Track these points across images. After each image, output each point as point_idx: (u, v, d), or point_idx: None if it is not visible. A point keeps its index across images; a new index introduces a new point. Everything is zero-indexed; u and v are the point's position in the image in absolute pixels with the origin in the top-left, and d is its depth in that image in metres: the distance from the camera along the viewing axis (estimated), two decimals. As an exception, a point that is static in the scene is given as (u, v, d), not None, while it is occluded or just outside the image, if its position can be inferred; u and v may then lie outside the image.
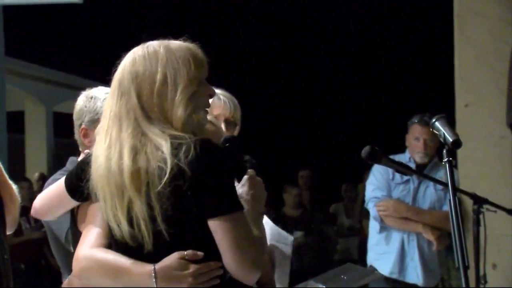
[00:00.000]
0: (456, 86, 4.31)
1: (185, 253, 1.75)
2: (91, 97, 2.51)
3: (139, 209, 1.75)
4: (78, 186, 1.91)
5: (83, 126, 2.49)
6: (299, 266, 6.42)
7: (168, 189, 1.73)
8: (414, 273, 3.97)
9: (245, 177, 1.89)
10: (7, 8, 7.42)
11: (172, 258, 1.76)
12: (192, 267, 1.75)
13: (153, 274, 1.75)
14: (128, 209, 1.78)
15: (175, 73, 1.81)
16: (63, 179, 2.03)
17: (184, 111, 1.80)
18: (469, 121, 4.22)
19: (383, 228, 4.01)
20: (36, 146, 10.26)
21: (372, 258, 4.09)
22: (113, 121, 1.83)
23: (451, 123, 2.29)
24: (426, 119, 3.95)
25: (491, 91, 4.19)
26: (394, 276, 3.97)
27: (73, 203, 2.00)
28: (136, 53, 1.87)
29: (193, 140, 1.75)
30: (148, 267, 1.76)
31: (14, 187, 2.63)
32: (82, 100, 2.53)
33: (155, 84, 1.81)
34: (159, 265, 1.76)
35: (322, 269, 4.60)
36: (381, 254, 4.04)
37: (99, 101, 2.49)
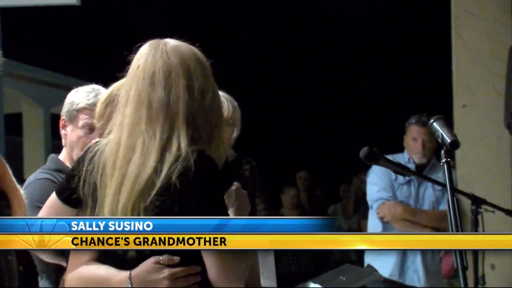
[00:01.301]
0: (454, 87, 4.32)
1: (160, 257, 1.75)
2: (76, 90, 2.58)
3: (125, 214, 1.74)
4: (70, 187, 1.86)
5: (62, 117, 2.56)
6: (297, 267, 6.43)
7: (155, 203, 1.72)
8: (415, 276, 3.95)
9: (231, 188, 1.89)
10: (4, 10, 7.41)
11: (147, 263, 1.76)
12: (168, 271, 1.75)
13: (129, 280, 1.76)
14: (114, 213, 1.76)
15: (214, 85, 1.82)
16: (51, 200, 1.98)
17: (219, 124, 1.80)
18: (466, 122, 4.23)
19: (386, 229, 3.97)
20: (34, 148, 10.24)
21: (370, 258, 4.06)
22: (141, 107, 1.76)
23: (449, 124, 2.30)
24: (424, 119, 3.94)
25: (488, 92, 4.21)
26: (394, 279, 3.95)
27: (64, 209, 1.93)
28: (180, 47, 1.81)
29: (189, 151, 1.73)
30: (125, 273, 1.77)
31: (21, 192, 2.63)
32: (69, 94, 2.60)
33: (207, 88, 1.78)
34: (135, 270, 1.76)
35: (320, 270, 4.61)
36: (380, 255, 4.01)
37: (79, 93, 2.55)
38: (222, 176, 1.78)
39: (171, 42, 1.84)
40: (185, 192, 1.72)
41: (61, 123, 2.56)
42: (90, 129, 2.47)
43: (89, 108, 2.50)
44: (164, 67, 1.78)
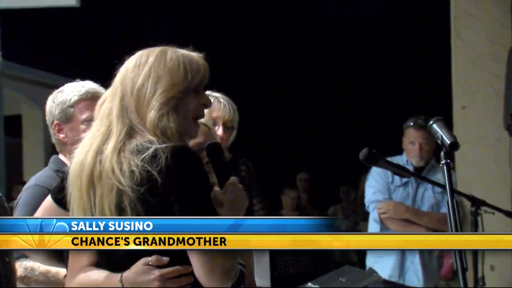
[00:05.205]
0: (453, 89, 4.33)
1: (149, 258, 1.76)
2: (58, 92, 2.49)
3: (107, 207, 1.76)
4: (63, 191, 1.89)
5: (55, 122, 2.45)
6: (297, 269, 6.42)
7: (135, 193, 1.74)
8: (415, 276, 3.97)
9: (227, 183, 1.88)
10: (4, 11, 7.42)
11: (137, 265, 1.77)
12: (157, 272, 1.75)
13: (120, 282, 1.77)
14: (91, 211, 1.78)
15: (158, 76, 1.83)
16: (46, 200, 1.98)
17: (155, 113, 1.80)
18: (466, 123, 4.24)
19: (384, 231, 4.00)
20: (34, 150, 10.25)
21: (371, 261, 4.09)
22: (96, 122, 1.88)
23: (448, 125, 2.31)
24: (420, 122, 3.94)
25: (487, 93, 4.21)
26: (394, 280, 3.97)
27: (58, 211, 1.94)
28: (133, 56, 1.89)
29: (167, 147, 1.75)
30: (116, 277, 1.78)
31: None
32: (50, 99, 2.50)
33: (136, 84, 1.83)
34: (126, 273, 1.77)
35: (320, 271, 4.61)
36: (381, 257, 4.03)
37: (65, 91, 2.46)
38: (201, 170, 1.77)
39: (141, 51, 1.89)
40: (165, 185, 1.72)
41: (55, 128, 2.45)
42: (92, 120, 2.38)
43: (84, 99, 2.43)
44: (115, 82, 1.90)
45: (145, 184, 1.73)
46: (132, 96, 1.83)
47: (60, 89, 2.50)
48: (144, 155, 1.74)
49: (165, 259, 1.75)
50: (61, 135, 2.46)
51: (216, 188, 1.87)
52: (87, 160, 1.81)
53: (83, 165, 1.81)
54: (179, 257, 1.75)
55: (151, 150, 1.74)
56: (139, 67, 1.85)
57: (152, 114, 1.80)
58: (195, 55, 1.89)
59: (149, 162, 1.73)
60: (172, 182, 1.73)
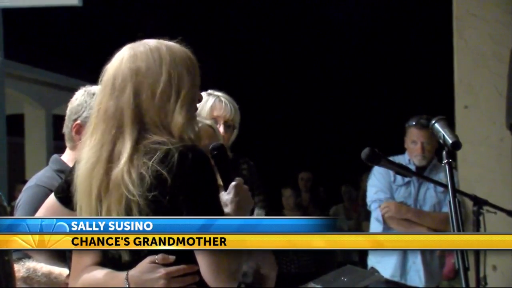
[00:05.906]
0: (455, 88, 4.32)
1: (155, 257, 1.75)
2: (93, 94, 2.43)
3: (115, 215, 1.74)
4: (68, 190, 1.88)
5: (78, 121, 2.43)
6: (298, 268, 6.42)
7: (145, 199, 1.72)
8: (417, 276, 3.97)
9: (232, 184, 1.87)
10: (6, 10, 7.42)
11: (143, 263, 1.77)
12: (163, 270, 1.75)
13: (126, 281, 1.77)
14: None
15: (179, 76, 1.78)
16: (49, 199, 1.97)
17: (185, 116, 1.77)
18: (468, 123, 4.23)
19: (386, 230, 4.00)
20: (36, 149, 10.26)
21: (373, 261, 4.10)
22: (100, 120, 1.80)
23: (450, 125, 2.30)
24: (423, 121, 3.94)
25: (489, 93, 4.21)
26: (396, 279, 3.98)
27: (61, 210, 1.93)
28: (136, 49, 1.81)
29: (177, 147, 1.73)
30: (122, 275, 1.78)
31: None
32: (82, 95, 2.45)
33: (159, 84, 1.76)
34: (131, 271, 1.77)
35: (321, 271, 4.60)
36: (382, 256, 4.04)
37: None
38: (211, 171, 1.77)
39: (137, 43, 1.84)
40: (173, 186, 1.71)
41: (75, 127, 2.42)
42: None
43: None
44: (112, 71, 1.81)
45: (155, 185, 1.72)
46: (154, 96, 1.76)
47: (92, 90, 2.44)
48: (155, 156, 1.72)
49: (172, 257, 1.75)
50: (78, 137, 2.42)
51: (221, 190, 1.87)
52: (95, 171, 1.77)
53: (92, 176, 1.78)
54: (185, 256, 1.75)
55: (162, 151, 1.72)
56: (154, 62, 1.77)
57: (181, 118, 1.76)
58: (188, 50, 1.85)
59: (160, 163, 1.72)
60: (181, 182, 1.72)
